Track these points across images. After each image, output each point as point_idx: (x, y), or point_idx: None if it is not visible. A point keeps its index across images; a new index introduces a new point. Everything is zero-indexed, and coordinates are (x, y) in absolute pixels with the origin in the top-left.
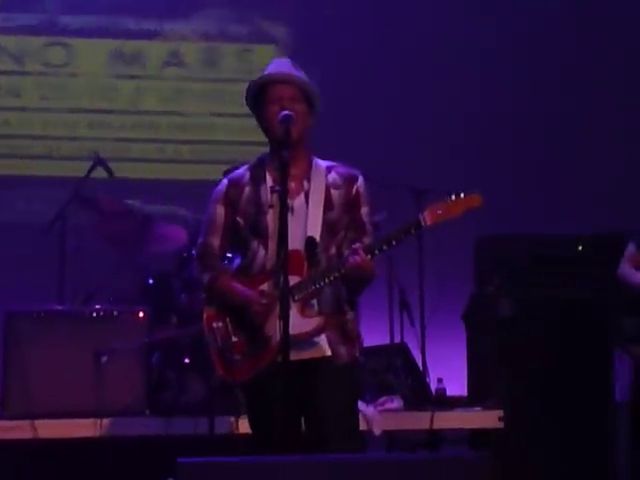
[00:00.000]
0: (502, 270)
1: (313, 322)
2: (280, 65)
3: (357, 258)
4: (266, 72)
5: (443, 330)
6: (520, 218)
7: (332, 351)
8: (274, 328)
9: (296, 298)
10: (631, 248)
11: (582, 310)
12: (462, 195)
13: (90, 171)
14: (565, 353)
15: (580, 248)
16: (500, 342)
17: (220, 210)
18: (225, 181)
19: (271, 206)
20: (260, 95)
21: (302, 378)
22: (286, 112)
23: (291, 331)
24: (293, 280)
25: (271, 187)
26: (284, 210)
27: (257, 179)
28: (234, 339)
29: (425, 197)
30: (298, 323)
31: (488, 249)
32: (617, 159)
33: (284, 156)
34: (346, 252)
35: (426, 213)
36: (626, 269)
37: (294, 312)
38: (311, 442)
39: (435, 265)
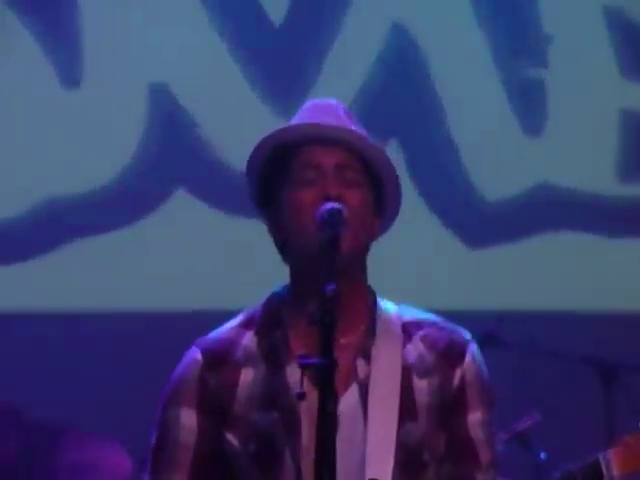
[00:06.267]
0: None
1: None
2: (320, 110)
3: None
4: (293, 122)
5: None
6: None
7: None
8: None
9: None
10: None
11: None
12: None
13: None
14: None
15: None
16: None
17: (188, 418)
18: (198, 356)
19: (302, 397)
20: (277, 165)
21: None
22: (332, 205)
23: None
24: None
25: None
26: (327, 421)
27: (273, 350)
28: None
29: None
30: None
31: None
32: None
33: (327, 296)
34: None
35: (612, 455)
36: None
37: None
38: None
39: None
